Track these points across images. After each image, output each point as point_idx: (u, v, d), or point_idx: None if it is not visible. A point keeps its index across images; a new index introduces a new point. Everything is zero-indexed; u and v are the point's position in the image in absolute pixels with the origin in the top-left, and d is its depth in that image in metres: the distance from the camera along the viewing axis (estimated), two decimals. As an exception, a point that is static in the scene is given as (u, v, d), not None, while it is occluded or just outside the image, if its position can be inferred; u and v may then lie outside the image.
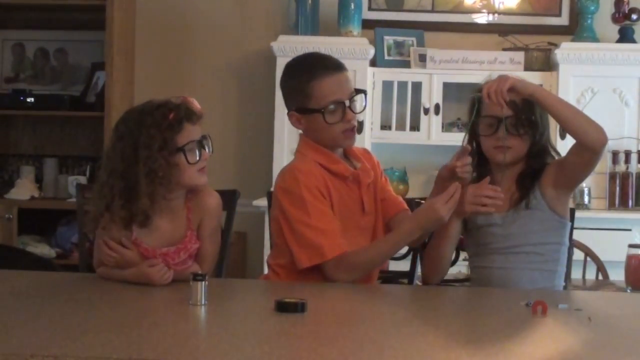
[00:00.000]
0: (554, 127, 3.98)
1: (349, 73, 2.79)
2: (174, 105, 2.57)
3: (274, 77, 4.73)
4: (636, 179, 4.74)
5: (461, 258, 3.00)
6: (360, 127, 4.73)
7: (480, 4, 4.98)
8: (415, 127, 4.86)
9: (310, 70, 2.72)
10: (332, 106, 2.70)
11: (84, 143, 5.17)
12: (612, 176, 4.74)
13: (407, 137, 4.88)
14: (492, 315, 2.32)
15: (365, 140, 4.77)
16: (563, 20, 5.05)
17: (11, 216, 4.77)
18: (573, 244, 3.06)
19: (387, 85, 4.85)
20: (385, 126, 4.87)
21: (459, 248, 3.01)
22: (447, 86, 4.81)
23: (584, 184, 4.66)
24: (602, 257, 4.02)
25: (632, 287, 3.08)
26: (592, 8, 4.84)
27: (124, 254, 2.57)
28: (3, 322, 2.03)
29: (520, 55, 4.82)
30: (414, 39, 4.98)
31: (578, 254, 3.83)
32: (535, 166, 2.77)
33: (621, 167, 4.73)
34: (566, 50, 4.73)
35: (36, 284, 2.58)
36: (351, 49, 4.72)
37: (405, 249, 2.97)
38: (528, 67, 4.82)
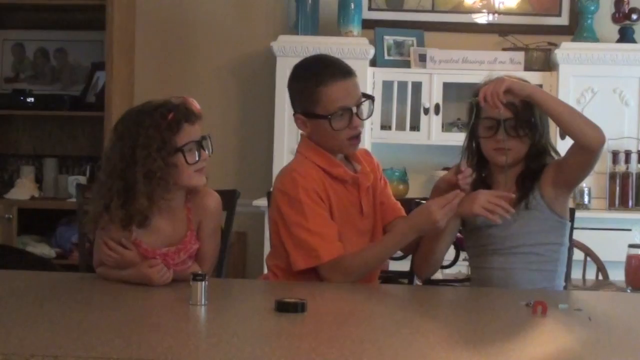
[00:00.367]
0: (553, 127, 3.99)
1: (357, 78, 2.76)
2: (173, 105, 2.57)
3: (274, 77, 4.74)
4: (636, 179, 4.74)
5: (461, 258, 3.00)
6: (360, 127, 4.74)
7: (480, 4, 4.98)
8: (415, 127, 4.86)
9: (318, 75, 2.70)
10: (339, 113, 2.68)
11: (84, 143, 5.17)
12: (612, 176, 4.74)
13: (407, 137, 4.88)
14: (492, 315, 2.32)
15: (365, 140, 4.76)
16: (563, 20, 5.05)
17: (11, 216, 4.77)
18: (573, 244, 3.06)
19: (387, 85, 4.85)
20: (385, 126, 4.87)
21: (459, 248, 3.01)
22: (447, 86, 4.81)
23: (584, 184, 4.66)
24: (602, 257, 4.02)
25: (632, 287, 3.08)
26: (592, 8, 4.84)
27: (123, 254, 2.57)
28: (3, 322, 2.03)
29: (520, 55, 4.82)
30: (414, 39, 4.98)
31: (578, 254, 3.83)
32: (534, 167, 2.77)
33: (621, 167, 4.73)
34: (566, 50, 4.73)
35: (36, 284, 2.59)
36: (351, 49, 4.72)
37: (404, 249, 2.96)
38: (528, 67, 4.82)
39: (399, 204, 2.90)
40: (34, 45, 5.26)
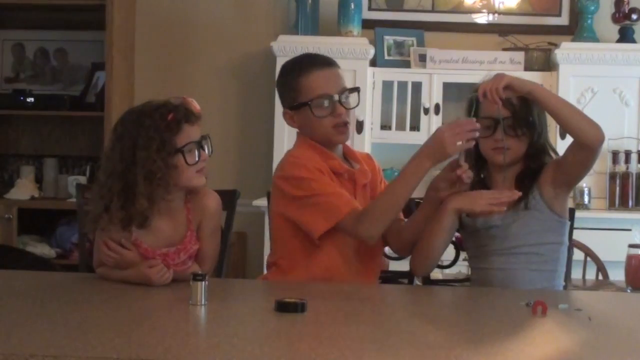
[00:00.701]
0: (554, 127, 3.99)
1: (341, 71, 2.79)
2: (173, 106, 2.57)
3: (274, 77, 4.69)
4: (636, 179, 4.74)
5: (461, 258, 3.00)
6: (360, 127, 4.74)
7: (480, 4, 4.98)
8: (415, 127, 4.86)
9: (299, 66, 2.76)
10: (320, 100, 2.71)
11: (84, 143, 5.17)
12: (612, 176, 4.74)
13: (407, 137, 4.87)
14: (492, 315, 2.32)
15: (365, 140, 4.77)
16: (563, 20, 5.05)
17: (11, 216, 4.77)
18: (573, 244, 3.06)
19: (387, 85, 4.85)
20: (385, 126, 4.87)
21: (459, 248, 3.01)
22: (447, 86, 4.81)
23: (584, 184, 4.67)
24: (602, 257, 4.02)
25: (632, 287, 3.08)
26: (592, 8, 4.85)
27: (123, 254, 2.56)
28: (3, 322, 2.03)
29: (520, 55, 4.82)
30: (414, 39, 4.98)
31: (578, 254, 3.83)
32: (533, 166, 2.77)
33: (621, 167, 4.73)
34: (566, 50, 4.73)
35: (36, 284, 2.59)
36: (351, 49, 4.73)
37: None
38: (528, 67, 4.82)
39: None
40: (34, 45, 5.26)
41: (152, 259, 2.55)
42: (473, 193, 2.69)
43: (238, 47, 5.17)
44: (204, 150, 2.59)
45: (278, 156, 4.71)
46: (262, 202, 4.43)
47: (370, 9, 5.09)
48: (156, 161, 2.50)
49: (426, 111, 4.81)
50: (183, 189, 2.61)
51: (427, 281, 3.07)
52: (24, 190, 4.94)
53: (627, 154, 4.72)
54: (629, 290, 3.08)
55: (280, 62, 4.66)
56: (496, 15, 4.94)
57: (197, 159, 2.57)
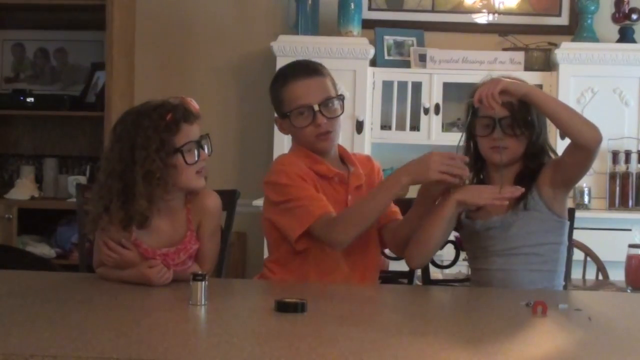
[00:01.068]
0: (554, 127, 3.99)
1: (326, 79, 2.79)
2: (172, 106, 2.57)
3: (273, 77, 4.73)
4: (636, 179, 4.74)
5: (461, 258, 3.00)
6: (360, 127, 4.74)
7: (480, 4, 4.98)
8: (415, 127, 4.86)
9: (283, 77, 2.83)
10: (298, 110, 2.75)
11: (84, 143, 5.17)
12: (612, 176, 4.74)
13: (407, 137, 4.88)
14: (492, 315, 2.32)
15: (365, 140, 4.77)
16: (563, 20, 5.05)
17: (11, 216, 4.77)
18: (573, 244, 3.06)
19: (387, 85, 4.85)
20: (385, 126, 4.87)
21: (458, 248, 3.01)
22: (447, 86, 4.81)
23: (584, 184, 4.67)
24: (602, 257, 4.02)
25: (632, 287, 3.08)
26: (592, 8, 4.85)
27: (123, 254, 2.56)
28: (3, 322, 2.03)
29: (520, 55, 4.82)
30: (414, 39, 4.98)
31: (578, 254, 3.83)
32: (532, 167, 2.76)
33: (621, 167, 4.73)
34: (566, 50, 4.73)
35: (36, 284, 2.58)
36: (351, 49, 4.73)
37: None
38: (528, 67, 4.82)
39: (396, 208, 2.90)
40: (34, 45, 5.26)
41: (152, 259, 2.55)
42: (477, 186, 2.70)
43: (238, 47, 5.17)
44: (203, 150, 2.59)
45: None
46: (262, 202, 4.42)
47: (370, 9, 5.10)
48: (155, 161, 2.50)
49: (426, 111, 4.81)
50: (182, 190, 2.61)
51: (427, 281, 3.07)
52: (24, 190, 4.94)
53: (627, 154, 4.73)
54: (629, 290, 3.08)
55: (280, 62, 4.69)
56: (496, 15, 4.94)
57: (196, 158, 2.57)
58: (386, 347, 1.88)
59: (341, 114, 2.80)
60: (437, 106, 4.80)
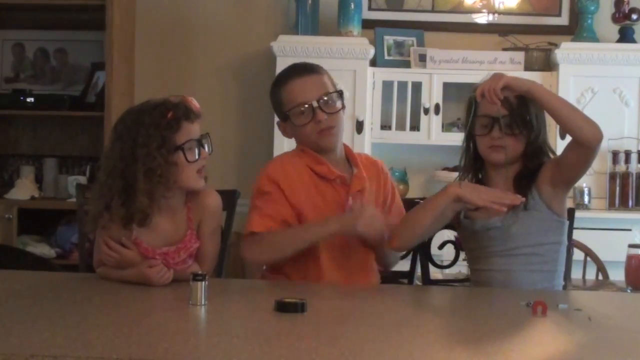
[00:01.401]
0: (554, 128, 3.99)
1: (323, 77, 2.81)
2: (172, 104, 2.57)
3: (273, 77, 4.67)
4: (636, 179, 4.74)
5: (461, 258, 3.00)
6: (360, 127, 4.74)
7: (480, 4, 4.98)
8: (415, 127, 4.86)
9: (280, 80, 2.86)
10: (297, 108, 2.76)
11: (84, 143, 5.17)
12: (612, 176, 4.74)
13: (407, 137, 4.88)
14: (492, 315, 2.32)
15: (365, 140, 4.77)
16: (563, 20, 5.05)
17: (11, 216, 4.77)
18: (573, 244, 3.06)
19: (387, 85, 4.85)
20: (385, 126, 4.87)
21: (458, 248, 3.01)
22: (447, 86, 4.81)
23: (584, 184, 4.67)
24: (602, 257, 4.02)
25: (632, 287, 3.08)
26: (592, 8, 4.85)
27: (123, 253, 2.56)
28: (3, 322, 2.03)
29: (520, 55, 4.82)
30: (414, 39, 4.98)
31: (578, 254, 3.83)
32: (531, 166, 2.76)
33: (621, 167, 4.73)
34: (566, 50, 4.73)
35: (36, 284, 2.58)
36: (351, 49, 4.73)
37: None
38: (528, 67, 4.83)
39: (401, 208, 2.91)
40: (34, 45, 5.26)
41: (152, 258, 2.55)
42: (478, 186, 2.69)
43: (238, 47, 5.17)
44: (204, 148, 2.60)
45: (278, 156, 4.72)
46: (262, 202, 4.42)
47: (370, 9, 5.10)
48: (156, 158, 2.50)
49: (426, 111, 4.81)
50: (183, 189, 2.61)
51: (427, 281, 3.07)
52: (24, 190, 4.94)
53: (627, 154, 4.73)
54: (629, 290, 3.08)
55: (280, 62, 4.70)
56: (496, 15, 4.94)
57: (197, 156, 2.57)
58: (386, 347, 1.88)
59: (342, 109, 2.81)
60: (437, 106, 4.80)
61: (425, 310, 2.45)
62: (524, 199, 2.63)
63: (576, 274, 3.67)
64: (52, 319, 2.09)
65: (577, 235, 3.32)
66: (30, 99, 4.93)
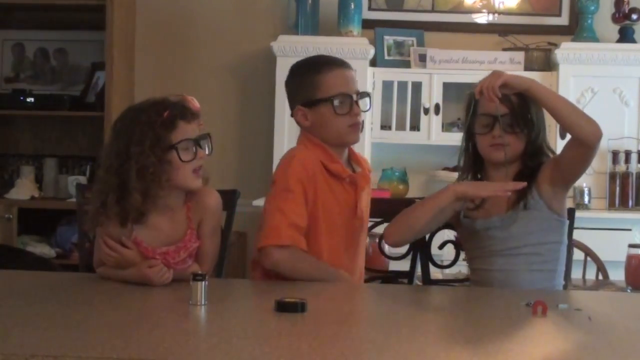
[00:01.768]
0: (554, 127, 3.99)
1: (354, 72, 2.82)
2: (170, 103, 2.57)
3: (274, 77, 4.74)
4: (636, 179, 4.74)
5: (461, 258, 3.00)
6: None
7: (480, 4, 4.98)
8: (415, 127, 4.86)
9: (316, 65, 2.77)
10: (340, 98, 2.72)
11: (84, 143, 5.17)
12: (612, 176, 4.74)
13: (407, 137, 4.88)
14: (492, 315, 2.32)
15: (365, 140, 4.77)
16: (563, 20, 5.05)
17: (11, 216, 4.77)
18: (573, 244, 3.05)
19: (387, 85, 4.85)
20: (385, 126, 4.87)
21: (459, 248, 3.01)
22: (447, 86, 4.81)
23: (584, 184, 4.67)
24: (602, 257, 4.02)
25: (632, 287, 3.08)
26: (592, 8, 4.85)
27: (123, 253, 2.56)
28: (3, 322, 2.03)
29: (520, 55, 4.82)
30: (414, 39, 4.98)
31: (578, 254, 3.83)
32: (531, 165, 2.76)
33: (621, 167, 4.73)
34: (566, 50, 4.73)
35: (36, 284, 2.58)
36: (351, 49, 4.72)
37: (404, 248, 2.97)
38: (528, 67, 4.82)
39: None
40: (34, 45, 5.26)
41: (152, 257, 2.55)
42: (478, 182, 2.69)
43: (238, 47, 5.17)
44: (201, 148, 2.59)
45: (278, 156, 4.70)
46: (262, 202, 4.40)
47: (370, 9, 5.09)
48: (149, 156, 2.50)
49: (426, 111, 4.81)
50: (179, 188, 2.60)
51: (427, 281, 3.07)
52: (24, 190, 4.94)
53: (627, 154, 4.72)
54: (629, 290, 3.09)
55: (280, 62, 4.70)
56: (496, 15, 4.94)
57: (193, 156, 2.56)
58: (386, 347, 1.88)
59: (368, 109, 2.85)
60: (437, 106, 4.80)
61: (425, 310, 2.45)
62: (525, 183, 2.63)
63: (576, 273, 3.67)
64: (52, 319, 2.09)
65: (577, 235, 3.32)
66: (30, 99, 4.93)
